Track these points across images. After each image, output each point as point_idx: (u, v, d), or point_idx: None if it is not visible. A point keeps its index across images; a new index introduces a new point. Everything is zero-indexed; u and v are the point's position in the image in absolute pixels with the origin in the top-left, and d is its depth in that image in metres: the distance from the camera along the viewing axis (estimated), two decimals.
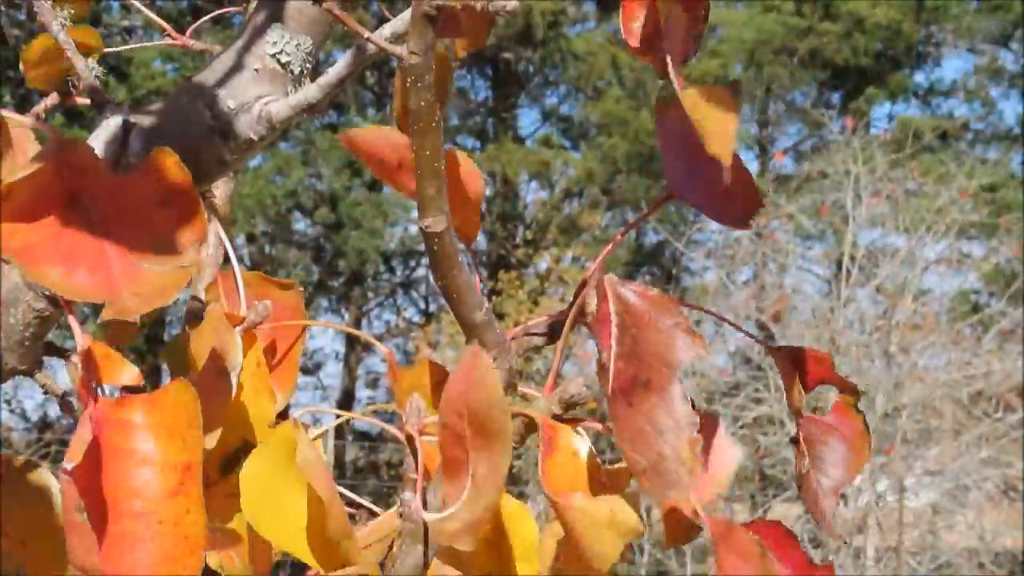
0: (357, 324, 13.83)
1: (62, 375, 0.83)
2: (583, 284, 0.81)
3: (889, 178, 8.35)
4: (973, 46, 14.38)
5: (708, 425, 0.74)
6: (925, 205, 8.30)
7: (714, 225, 9.92)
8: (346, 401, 13.70)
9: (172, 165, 0.68)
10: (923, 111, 14.86)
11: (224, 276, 0.94)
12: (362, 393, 14.32)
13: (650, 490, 0.70)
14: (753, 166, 10.76)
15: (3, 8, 0.97)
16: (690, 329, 0.74)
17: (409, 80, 0.70)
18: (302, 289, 0.98)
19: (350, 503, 0.92)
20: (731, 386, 8.40)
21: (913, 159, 9.17)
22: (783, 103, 14.67)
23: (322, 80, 0.81)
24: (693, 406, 0.72)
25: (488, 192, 12.53)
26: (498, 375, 0.70)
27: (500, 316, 9.98)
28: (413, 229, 13.02)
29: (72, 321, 0.68)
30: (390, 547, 0.85)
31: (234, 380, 0.80)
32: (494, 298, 10.66)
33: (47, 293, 0.79)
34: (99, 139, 0.78)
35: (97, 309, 0.66)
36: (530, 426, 0.79)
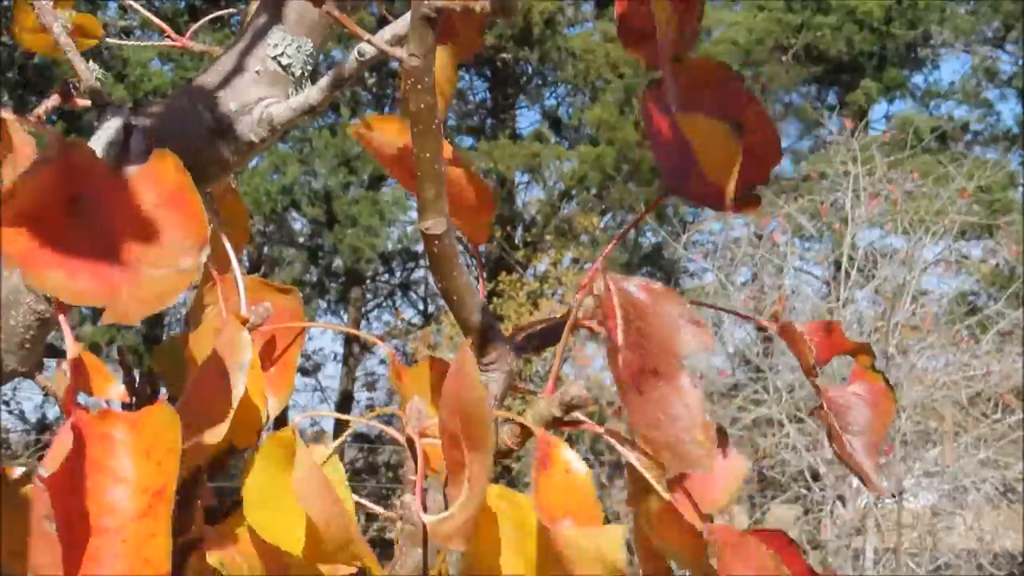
0: (356, 326, 13.82)
1: None
2: (584, 287, 0.81)
3: (888, 179, 8.35)
4: (969, 48, 14.39)
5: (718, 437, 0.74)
6: (924, 206, 8.30)
7: (713, 226, 9.93)
8: (345, 403, 13.69)
9: (172, 167, 0.68)
10: (921, 112, 14.86)
11: (223, 279, 0.93)
12: (360, 395, 14.33)
13: (670, 466, 0.71)
14: None
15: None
16: (694, 319, 0.74)
17: (409, 83, 0.70)
18: (299, 288, 0.97)
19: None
20: (730, 387, 8.40)
21: (913, 158, 9.18)
22: (780, 104, 14.68)
23: (323, 82, 0.81)
24: None
25: None
26: (478, 372, 0.70)
27: (500, 318, 9.98)
28: (411, 229, 13.03)
29: (64, 326, 0.68)
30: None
31: (242, 378, 0.79)
32: (494, 300, 10.67)
33: (48, 295, 0.79)
34: (100, 141, 0.78)
35: (97, 311, 0.66)
36: (527, 429, 0.79)
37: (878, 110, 15.12)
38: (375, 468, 12.83)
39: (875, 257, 8.25)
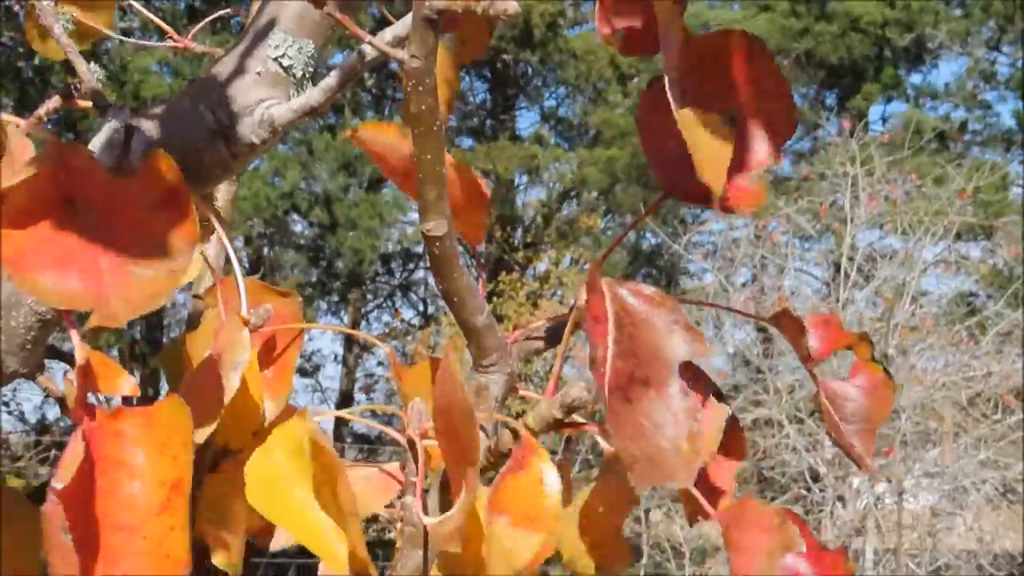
0: (355, 327, 13.82)
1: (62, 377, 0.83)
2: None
3: (887, 180, 8.35)
4: (966, 50, 14.39)
5: (699, 387, 0.74)
6: (923, 207, 8.30)
7: (713, 227, 9.93)
8: (344, 404, 13.68)
9: (167, 168, 0.68)
10: (920, 112, 14.86)
11: (223, 281, 0.93)
12: (360, 396, 14.33)
13: (640, 479, 0.71)
14: None
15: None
16: (688, 326, 0.74)
17: (410, 84, 0.70)
18: (300, 290, 0.97)
19: None
20: (730, 388, 8.40)
21: (912, 159, 9.17)
22: None
23: (324, 84, 0.81)
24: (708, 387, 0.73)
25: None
26: (458, 371, 0.70)
27: (500, 318, 9.98)
28: (411, 230, 13.02)
29: (72, 332, 0.67)
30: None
31: (236, 377, 0.79)
32: (494, 300, 10.67)
33: None
34: (100, 142, 0.78)
35: (87, 313, 0.66)
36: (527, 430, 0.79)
37: (876, 111, 15.14)
38: None
39: (875, 258, 8.25)
